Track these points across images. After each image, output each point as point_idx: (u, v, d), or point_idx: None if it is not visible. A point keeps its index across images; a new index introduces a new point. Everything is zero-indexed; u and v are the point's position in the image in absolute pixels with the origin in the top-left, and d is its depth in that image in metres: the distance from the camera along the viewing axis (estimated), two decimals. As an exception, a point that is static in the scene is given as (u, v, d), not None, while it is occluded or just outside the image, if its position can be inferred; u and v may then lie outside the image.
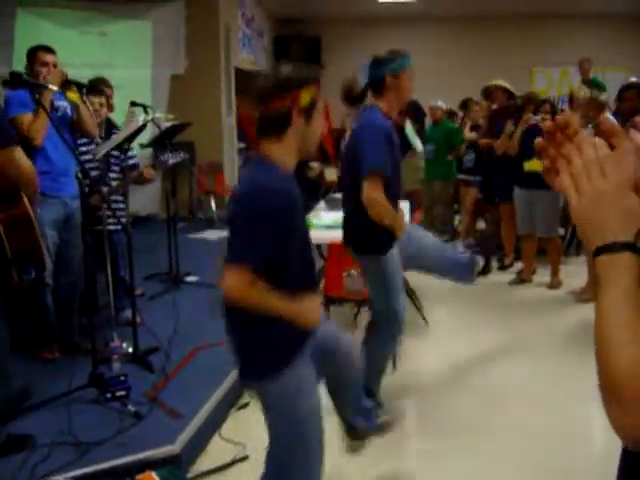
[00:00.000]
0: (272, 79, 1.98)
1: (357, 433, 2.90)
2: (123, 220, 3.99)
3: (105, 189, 3.85)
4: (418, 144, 7.39)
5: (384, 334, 3.23)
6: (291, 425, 2.01)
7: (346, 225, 3.21)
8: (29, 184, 2.76)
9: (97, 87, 4.20)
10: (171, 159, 4.80)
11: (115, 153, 4.11)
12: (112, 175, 4.13)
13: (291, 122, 1.94)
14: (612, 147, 0.86)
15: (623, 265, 0.80)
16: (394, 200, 3.04)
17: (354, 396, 2.58)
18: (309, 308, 1.97)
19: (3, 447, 2.69)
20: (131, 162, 4.30)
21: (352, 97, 3.08)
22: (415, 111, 7.80)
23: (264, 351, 1.98)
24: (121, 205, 4.20)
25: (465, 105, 7.80)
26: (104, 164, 4.01)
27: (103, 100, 4.18)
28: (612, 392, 0.75)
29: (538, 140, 0.93)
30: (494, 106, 6.41)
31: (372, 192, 2.90)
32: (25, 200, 2.74)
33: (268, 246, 1.86)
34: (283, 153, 1.98)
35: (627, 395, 0.73)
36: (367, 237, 3.08)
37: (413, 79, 3.13)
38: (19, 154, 2.63)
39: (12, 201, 2.72)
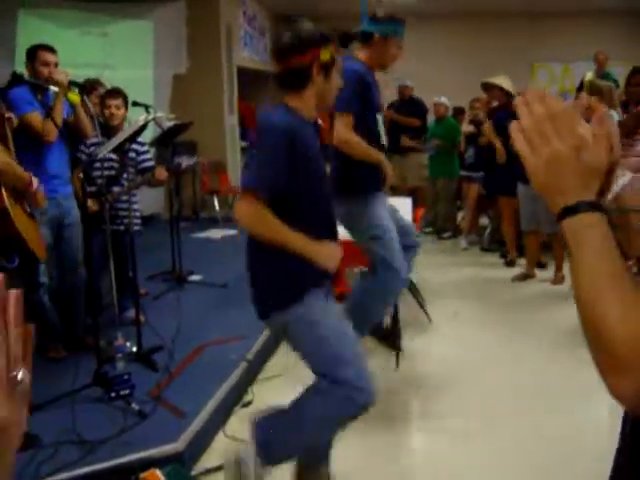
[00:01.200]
0: (293, 36, 2.03)
1: None
2: (125, 221, 3.99)
3: (117, 189, 3.88)
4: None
5: (379, 279, 3.16)
6: (314, 339, 2.07)
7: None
8: (5, 177, 2.79)
9: (114, 89, 4.20)
10: (184, 162, 4.84)
11: (132, 155, 4.11)
12: (126, 176, 4.12)
13: (311, 78, 2.03)
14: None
15: (590, 224, 0.75)
16: (369, 139, 3.06)
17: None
18: (327, 252, 2.03)
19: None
20: (147, 164, 4.24)
21: (344, 38, 3.07)
22: (417, 107, 7.80)
23: (276, 284, 2.06)
24: (124, 205, 4.20)
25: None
26: (120, 165, 4.01)
27: (119, 102, 4.11)
28: (608, 358, 0.71)
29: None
30: (495, 103, 6.39)
31: (341, 131, 2.96)
32: (2, 192, 2.76)
33: (276, 175, 1.96)
34: (302, 106, 2.08)
35: (624, 358, 0.69)
36: (350, 176, 3.06)
37: (400, 48, 3.24)
38: None
39: None
